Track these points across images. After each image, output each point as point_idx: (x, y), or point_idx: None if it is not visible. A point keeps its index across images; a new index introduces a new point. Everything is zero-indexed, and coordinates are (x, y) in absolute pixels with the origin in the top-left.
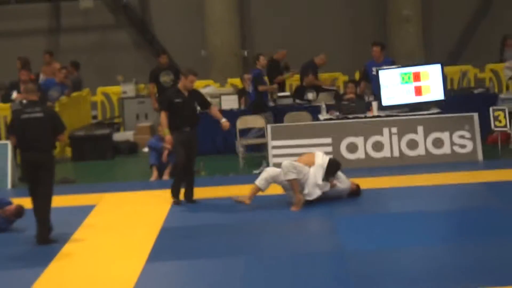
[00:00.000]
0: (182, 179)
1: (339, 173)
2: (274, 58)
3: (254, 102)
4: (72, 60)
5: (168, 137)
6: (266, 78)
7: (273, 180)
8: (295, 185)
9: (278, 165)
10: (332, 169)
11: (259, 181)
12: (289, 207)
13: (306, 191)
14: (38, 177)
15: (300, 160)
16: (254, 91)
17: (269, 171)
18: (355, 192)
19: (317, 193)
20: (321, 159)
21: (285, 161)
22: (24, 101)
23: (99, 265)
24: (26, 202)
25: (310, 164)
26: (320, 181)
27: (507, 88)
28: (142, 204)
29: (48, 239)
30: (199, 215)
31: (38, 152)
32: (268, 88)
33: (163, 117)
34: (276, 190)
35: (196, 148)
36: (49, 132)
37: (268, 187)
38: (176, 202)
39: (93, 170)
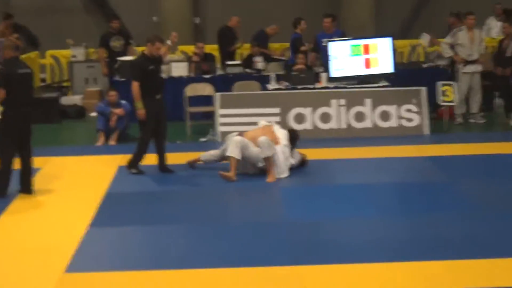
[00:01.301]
0: (145, 152)
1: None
2: (227, 25)
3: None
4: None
5: (141, 111)
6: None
7: (244, 149)
8: (271, 162)
9: (225, 134)
10: (294, 142)
11: (233, 152)
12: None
13: (278, 169)
14: (22, 134)
15: (257, 133)
16: (293, 55)
17: (237, 140)
18: (302, 163)
19: (287, 172)
20: (284, 136)
21: (262, 137)
22: None
23: (41, 229)
24: None
25: (273, 139)
26: (292, 160)
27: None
28: (88, 169)
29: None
30: (144, 181)
31: (29, 107)
32: (307, 48)
33: (136, 87)
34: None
35: (166, 114)
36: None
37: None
38: (137, 172)
39: (39, 133)
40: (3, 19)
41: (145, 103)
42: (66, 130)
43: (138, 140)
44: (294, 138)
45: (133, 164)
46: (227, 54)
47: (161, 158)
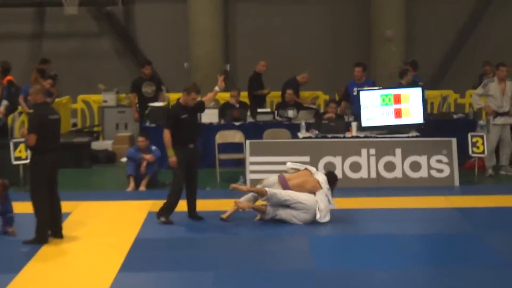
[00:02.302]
0: (177, 201)
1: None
2: (256, 71)
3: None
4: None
5: (173, 158)
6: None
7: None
8: (261, 211)
9: (255, 181)
10: (334, 185)
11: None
12: (265, 223)
13: (318, 216)
14: (51, 179)
15: (301, 180)
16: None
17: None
18: None
19: (329, 215)
20: (324, 180)
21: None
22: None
23: (71, 273)
24: None
25: (315, 185)
26: (332, 205)
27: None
28: (117, 214)
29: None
30: (173, 227)
31: (58, 153)
32: None
33: (168, 135)
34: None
35: (198, 163)
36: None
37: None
38: (166, 221)
39: (70, 178)
40: (39, 63)
41: (176, 151)
42: (97, 175)
43: (170, 188)
44: (334, 181)
45: (164, 213)
46: (256, 99)
47: (191, 205)
